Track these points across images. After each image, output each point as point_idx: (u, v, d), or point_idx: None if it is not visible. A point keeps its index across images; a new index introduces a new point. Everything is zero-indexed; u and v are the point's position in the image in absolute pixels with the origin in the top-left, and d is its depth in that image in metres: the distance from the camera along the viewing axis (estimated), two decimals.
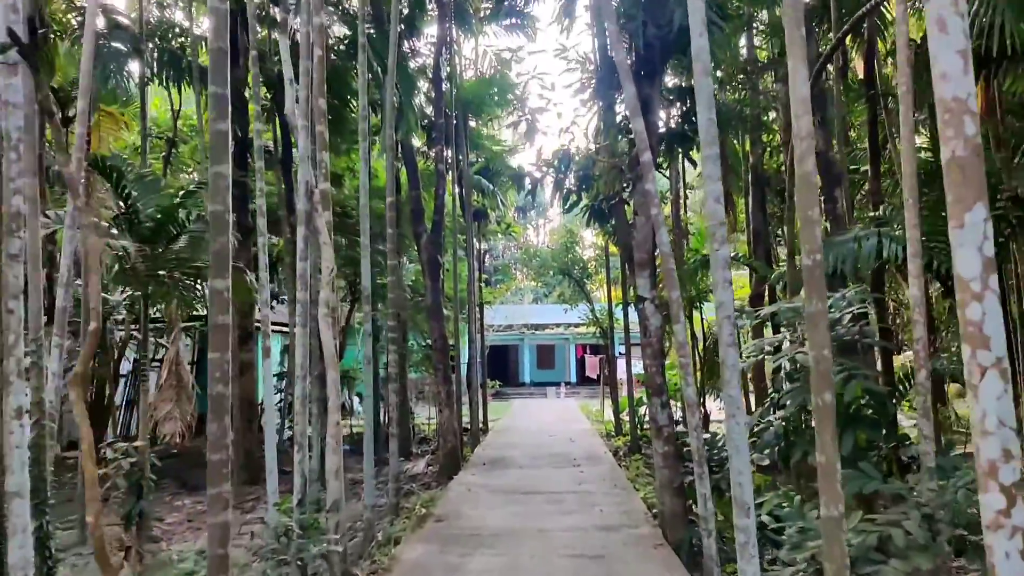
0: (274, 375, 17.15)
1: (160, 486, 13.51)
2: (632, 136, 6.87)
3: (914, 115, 9.54)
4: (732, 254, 12.39)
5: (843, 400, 5.54)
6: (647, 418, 16.01)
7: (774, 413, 6.05)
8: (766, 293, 12.41)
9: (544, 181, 8.32)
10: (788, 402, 5.62)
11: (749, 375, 11.73)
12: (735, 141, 13.09)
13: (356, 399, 23.66)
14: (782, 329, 11.96)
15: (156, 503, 12.24)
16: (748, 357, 6.40)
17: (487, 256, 40.77)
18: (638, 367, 17.04)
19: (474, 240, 17.84)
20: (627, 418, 17.16)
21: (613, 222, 10.65)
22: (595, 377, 32.55)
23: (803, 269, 3.40)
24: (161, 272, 8.80)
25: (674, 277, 5.52)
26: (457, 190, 16.78)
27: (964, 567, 6.06)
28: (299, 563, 5.61)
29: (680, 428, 8.02)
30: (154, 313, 15.05)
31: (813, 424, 6.12)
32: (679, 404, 13.09)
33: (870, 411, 5.80)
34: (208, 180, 4.33)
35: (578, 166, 7.87)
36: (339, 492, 5.93)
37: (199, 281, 9.20)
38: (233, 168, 12.99)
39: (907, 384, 7.63)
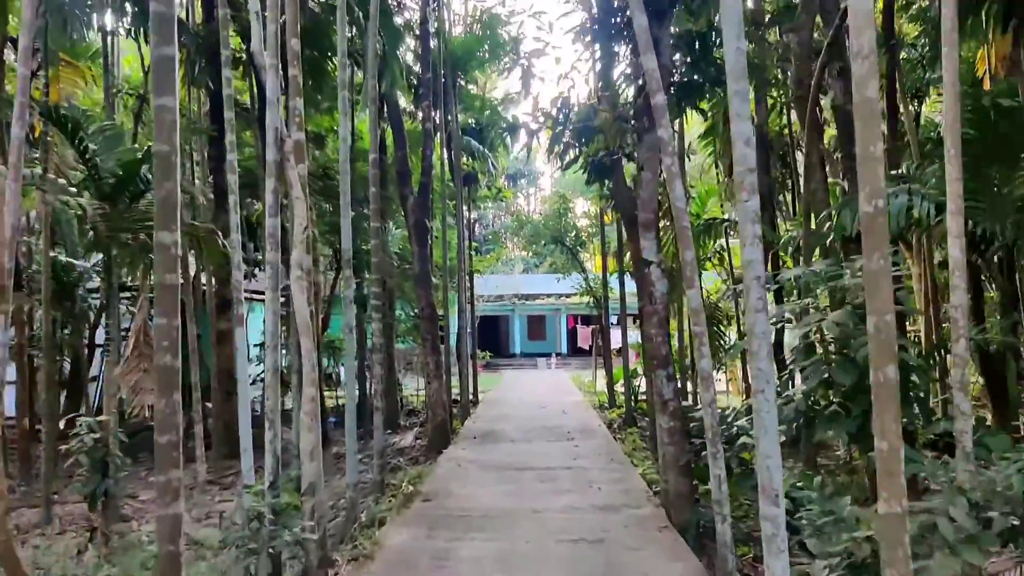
0: (255, 345, 16.61)
1: (138, 461, 12.97)
2: (639, 83, 6.26)
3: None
4: (734, 219, 11.81)
5: (857, 372, 5.04)
6: (642, 390, 15.64)
7: (791, 387, 5.54)
8: (769, 261, 11.87)
9: (540, 133, 7.66)
10: (808, 376, 5.10)
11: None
12: None
13: (343, 370, 23.17)
14: (785, 300, 11.45)
15: (131, 479, 11.67)
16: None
17: (477, 225, 40.09)
18: (632, 338, 16.59)
19: (464, 206, 17.16)
20: (621, 390, 16.74)
21: (612, 184, 10.07)
22: (587, 348, 32.16)
23: (862, 217, 2.83)
24: (125, 233, 8.16)
25: (688, 236, 4.94)
26: (446, 154, 16.08)
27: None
28: (271, 551, 5.08)
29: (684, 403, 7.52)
30: (130, 281, 14.46)
31: (835, 400, 5.64)
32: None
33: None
34: (153, 114, 3.71)
35: (578, 117, 7.23)
36: (315, 473, 5.38)
37: None
38: (208, 125, 12.22)
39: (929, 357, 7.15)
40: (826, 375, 4.97)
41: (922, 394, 5.36)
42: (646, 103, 6.26)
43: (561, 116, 7.31)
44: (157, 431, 3.51)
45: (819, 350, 5.80)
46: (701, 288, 14.27)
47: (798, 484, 5.63)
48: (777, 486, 3.69)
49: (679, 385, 7.73)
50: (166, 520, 3.47)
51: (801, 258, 10.02)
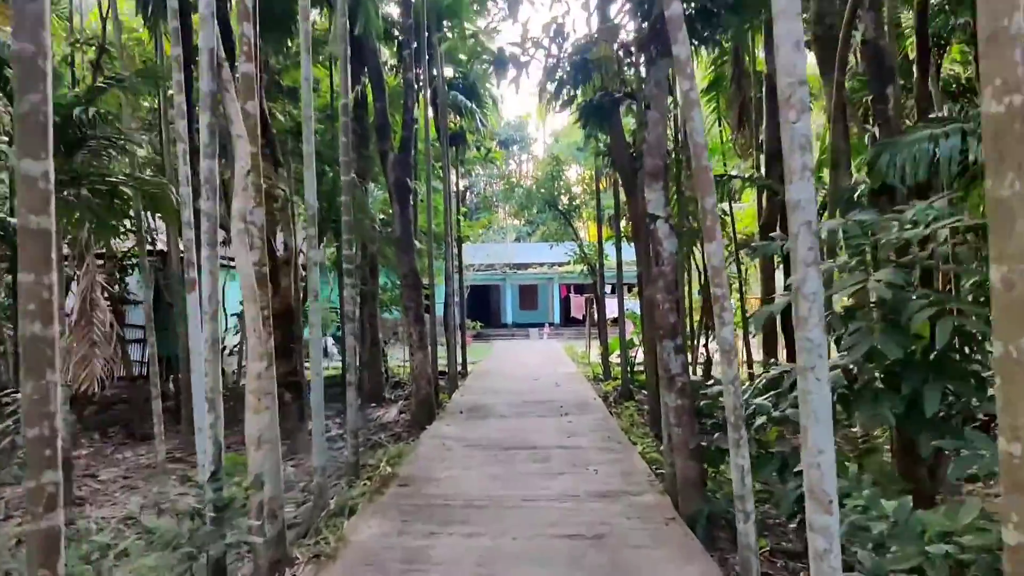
0: (233, 315, 15.78)
1: (107, 436, 12.24)
2: (646, 6, 5.35)
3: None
4: (745, 174, 10.95)
5: (908, 341, 4.25)
6: (638, 361, 14.89)
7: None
8: (778, 223, 11.02)
9: (530, 67, 6.71)
10: (851, 347, 4.28)
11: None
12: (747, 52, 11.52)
13: (331, 340, 22.46)
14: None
15: (94, 456, 10.94)
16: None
17: (468, 193, 39.05)
18: (628, 307, 15.83)
19: (451, 168, 16.19)
20: (615, 361, 16.00)
21: (609, 138, 9.16)
22: (580, 318, 31.45)
23: (988, 122, 1.98)
24: (63, 189, 7.25)
25: (709, 178, 4.08)
26: (431, 114, 15.10)
27: None
28: (211, 553, 4.29)
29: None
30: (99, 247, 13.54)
31: (878, 376, 4.85)
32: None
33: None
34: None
35: (574, 49, 6.30)
36: (263, 462, 4.57)
37: (115, 199, 7.64)
38: (168, 73, 11.21)
39: None
40: (871, 346, 4.14)
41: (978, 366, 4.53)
42: (653, 29, 5.38)
43: (554, 47, 6.38)
44: (25, 423, 2.67)
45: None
46: (703, 256, 13.45)
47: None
48: (831, 489, 2.88)
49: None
50: (38, 538, 2.64)
51: (826, 214, 9.20)
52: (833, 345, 5.09)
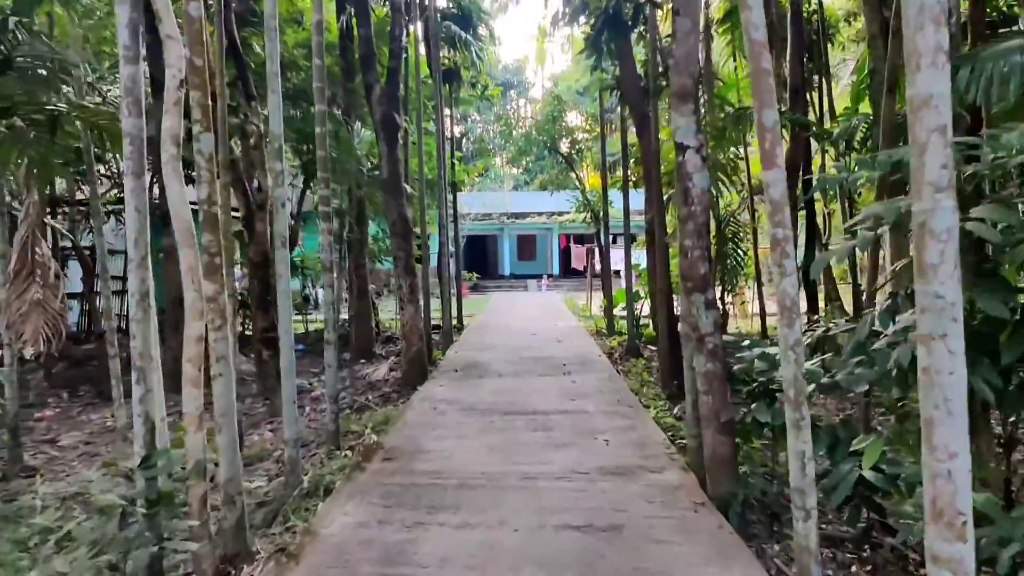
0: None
1: (76, 395, 11.49)
2: None
3: None
4: None
5: (1014, 297, 3.38)
6: (643, 314, 14.07)
7: (896, 320, 3.83)
8: (801, 165, 10.02)
9: None
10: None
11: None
12: None
13: (321, 291, 21.73)
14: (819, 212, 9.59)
15: (58, 418, 10.17)
16: (860, 230, 4.04)
17: (464, 140, 37.76)
18: (633, 258, 14.94)
19: (445, 108, 15.06)
20: (620, 314, 15.17)
21: (619, 69, 8.15)
22: (581, 269, 30.59)
23: None
24: None
25: (769, 84, 3.12)
26: (423, 51, 13.91)
27: None
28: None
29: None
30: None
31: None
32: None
33: None
34: None
35: None
36: (204, 449, 3.71)
37: (57, 132, 6.64)
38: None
39: None
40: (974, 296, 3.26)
41: None
42: None
43: None
44: None
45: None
46: (717, 198, 12.46)
47: (888, 450, 4.06)
48: (965, 507, 2.03)
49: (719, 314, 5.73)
50: None
51: (852, 153, 8.26)
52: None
